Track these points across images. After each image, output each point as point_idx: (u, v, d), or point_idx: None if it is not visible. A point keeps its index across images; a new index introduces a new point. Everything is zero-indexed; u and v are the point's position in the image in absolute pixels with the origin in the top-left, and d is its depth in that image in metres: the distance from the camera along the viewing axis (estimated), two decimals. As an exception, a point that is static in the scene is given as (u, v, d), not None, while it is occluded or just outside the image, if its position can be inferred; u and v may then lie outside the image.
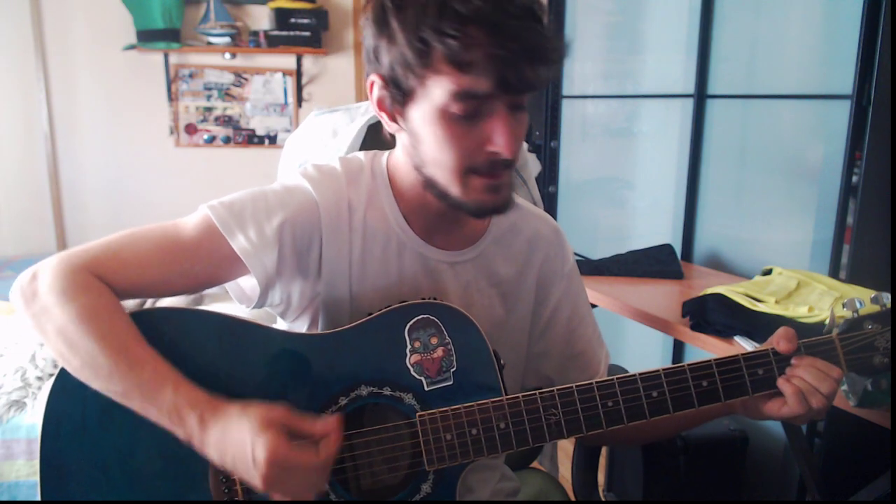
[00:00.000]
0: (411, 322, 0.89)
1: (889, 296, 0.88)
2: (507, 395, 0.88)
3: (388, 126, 0.90)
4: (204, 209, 0.89)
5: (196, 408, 0.79)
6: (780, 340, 0.89)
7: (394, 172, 0.96)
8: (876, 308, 0.89)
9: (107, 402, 0.82)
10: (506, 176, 0.86)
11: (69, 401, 0.84)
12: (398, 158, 0.95)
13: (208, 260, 0.88)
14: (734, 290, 1.63)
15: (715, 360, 0.88)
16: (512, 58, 0.77)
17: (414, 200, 0.94)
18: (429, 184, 0.89)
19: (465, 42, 0.76)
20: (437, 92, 0.80)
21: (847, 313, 0.90)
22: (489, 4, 0.76)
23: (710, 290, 1.67)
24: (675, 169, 2.53)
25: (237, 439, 0.77)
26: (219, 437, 0.78)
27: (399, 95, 0.84)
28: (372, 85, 0.87)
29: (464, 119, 0.81)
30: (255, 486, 0.77)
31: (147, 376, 0.79)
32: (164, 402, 0.78)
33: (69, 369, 0.82)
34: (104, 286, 0.83)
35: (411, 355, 0.88)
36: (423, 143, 0.86)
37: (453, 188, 0.86)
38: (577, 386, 0.87)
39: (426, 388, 0.88)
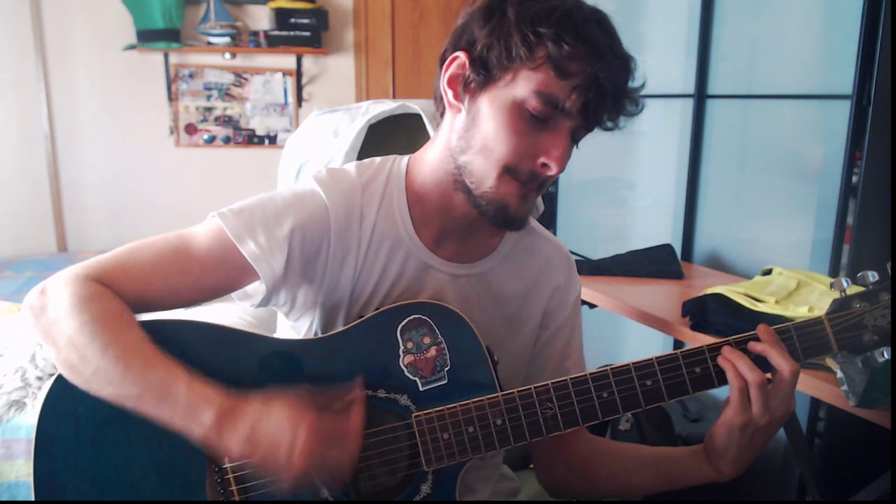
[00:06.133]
0: (403, 323, 0.89)
1: (874, 273, 0.89)
2: (502, 391, 0.88)
3: (449, 104, 0.91)
4: (214, 218, 0.89)
5: (212, 404, 0.78)
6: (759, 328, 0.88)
7: (414, 175, 0.95)
8: (861, 288, 0.91)
9: (100, 416, 0.81)
10: (536, 191, 0.89)
11: (61, 416, 0.83)
12: (424, 157, 0.95)
13: (219, 269, 0.88)
14: (734, 290, 1.62)
15: (707, 345, 0.89)
16: (603, 89, 0.81)
17: (429, 205, 0.94)
18: (461, 173, 0.89)
19: (574, 54, 0.80)
20: (523, 85, 0.83)
21: (835, 293, 0.91)
22: (604, 36, 0.82)
23: (710, 290, 1.67)
24: (675, 169, 2.53)
25: (273, 429, 0.76)
26: (247, 433, 0.77)
27: (479, 78, 0.86)
28: (452, 61, 0.88)
29: (533, 119, 0.84)
30: (288, 475, 0.76)
31: (160, 377, 0.79)
32: (179, 400, 0.78)
33: (80, 380, 0.80)
34: (113, 294, 0.83)
35: (405, 356, 0.88)
36: (480, 128, 0.86)
37: (487, 181, 0.87)
38: (571, 379, 0.88)
39: (421, 389, 0.88)
